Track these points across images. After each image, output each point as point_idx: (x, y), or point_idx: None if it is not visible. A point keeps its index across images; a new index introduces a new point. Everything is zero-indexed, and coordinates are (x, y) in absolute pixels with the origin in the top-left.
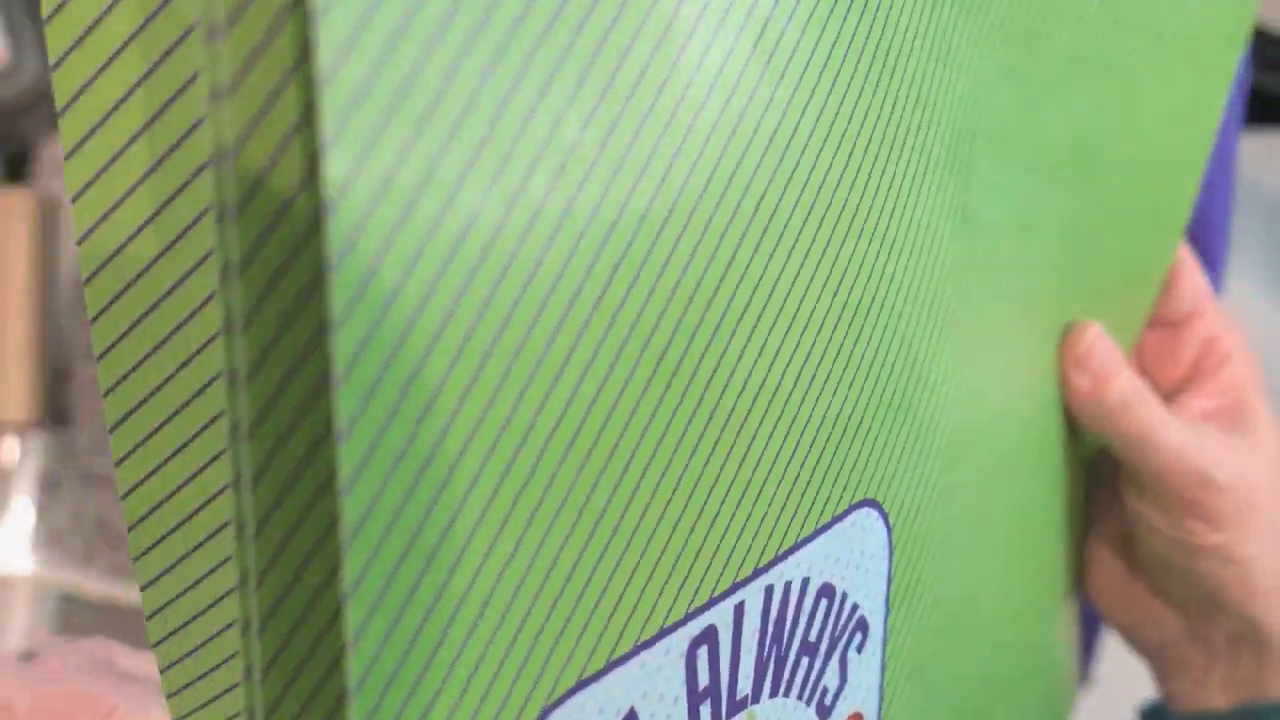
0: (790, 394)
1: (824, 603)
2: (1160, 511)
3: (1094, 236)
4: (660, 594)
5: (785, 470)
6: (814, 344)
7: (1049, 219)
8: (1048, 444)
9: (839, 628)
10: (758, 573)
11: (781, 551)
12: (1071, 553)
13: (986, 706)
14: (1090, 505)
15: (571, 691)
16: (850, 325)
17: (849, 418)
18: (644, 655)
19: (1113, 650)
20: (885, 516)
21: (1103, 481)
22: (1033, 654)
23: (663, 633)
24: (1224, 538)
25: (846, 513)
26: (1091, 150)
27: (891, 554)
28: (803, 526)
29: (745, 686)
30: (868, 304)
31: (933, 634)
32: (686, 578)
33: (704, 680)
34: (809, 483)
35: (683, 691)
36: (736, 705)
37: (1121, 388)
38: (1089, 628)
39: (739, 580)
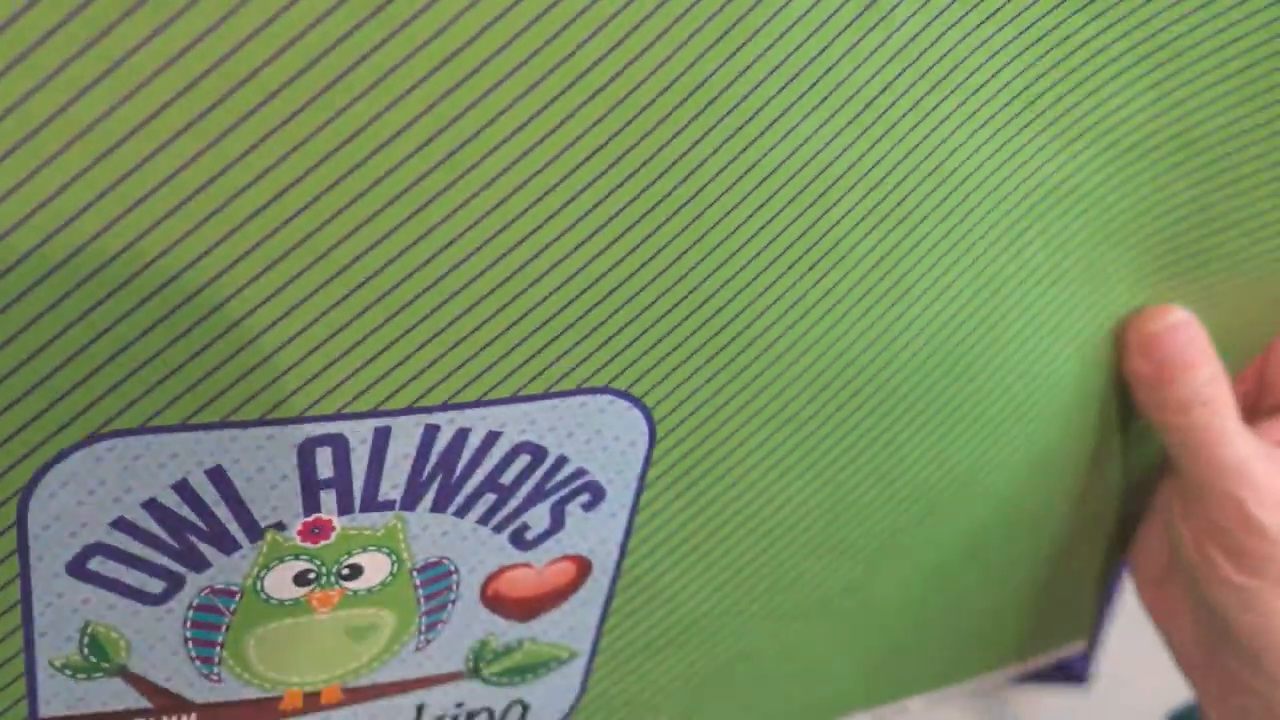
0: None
1: (525, 457)
2: (1188, 524)
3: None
4: (264, 388)
5: (472, 335)
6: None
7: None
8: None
9: (551, 482)
10: (413, 410)
11: (454, 402)
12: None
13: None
14: (1153, 479)
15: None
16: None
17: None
18: (235, 431)
19: (1113, 650)
20: (644, 410)
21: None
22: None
23: (264, 422)
24: (1249, 583)
25: (573, 393)
26: None
27: (652, 443)
28: (491, 390)
29: (392, 495)
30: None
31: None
32: (303, 386)
33: (325, 474)
34: (502, 355)
35: (294, 474)
36: (379, 505)
37: (1188, 384)
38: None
39: (385, 409)
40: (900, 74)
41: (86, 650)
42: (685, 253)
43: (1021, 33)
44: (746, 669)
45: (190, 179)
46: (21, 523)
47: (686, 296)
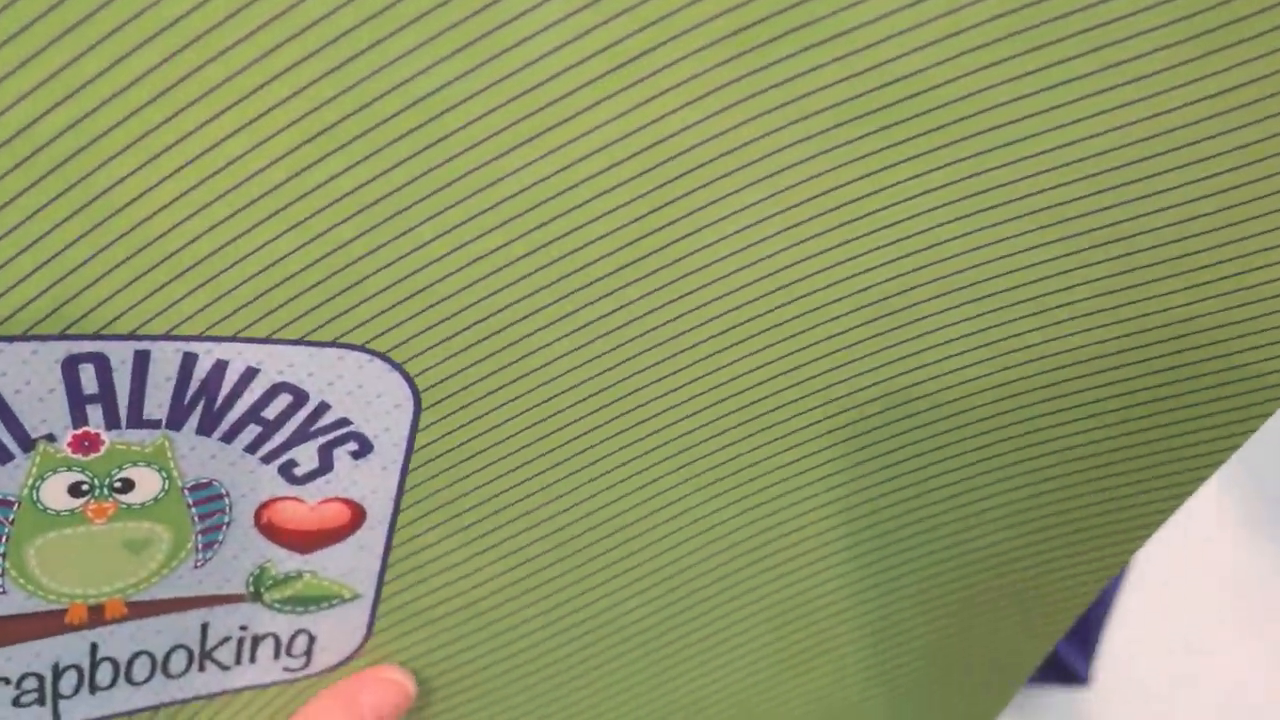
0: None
1: (286, 397)
2: None
3: None
4: (27, 303)
5: (207, 264)
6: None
7: None
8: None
9: (313, 424)
10: (171, 338)
11: (210, 334)
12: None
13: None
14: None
15: None
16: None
17: (354, 269)
18: (3, 344)
19: (1113, 650)
20: (406, 376)
21: None
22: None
23: (28, 337)
24: None
25: (330, 345)
26: None
27: (418, 410)
28: (247, 329)
29: (157, 414)
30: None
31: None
32: (62, 306)
33: (90, 389)
34: (256, 296)
35: (60, 388)
36: (145, 423)
37: None
38: (1090, 626)
39: (142, 334)
40: None
41: None
42: (450, 231)
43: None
44: (540, 676)
45: None
46: None
47: (451, 274)
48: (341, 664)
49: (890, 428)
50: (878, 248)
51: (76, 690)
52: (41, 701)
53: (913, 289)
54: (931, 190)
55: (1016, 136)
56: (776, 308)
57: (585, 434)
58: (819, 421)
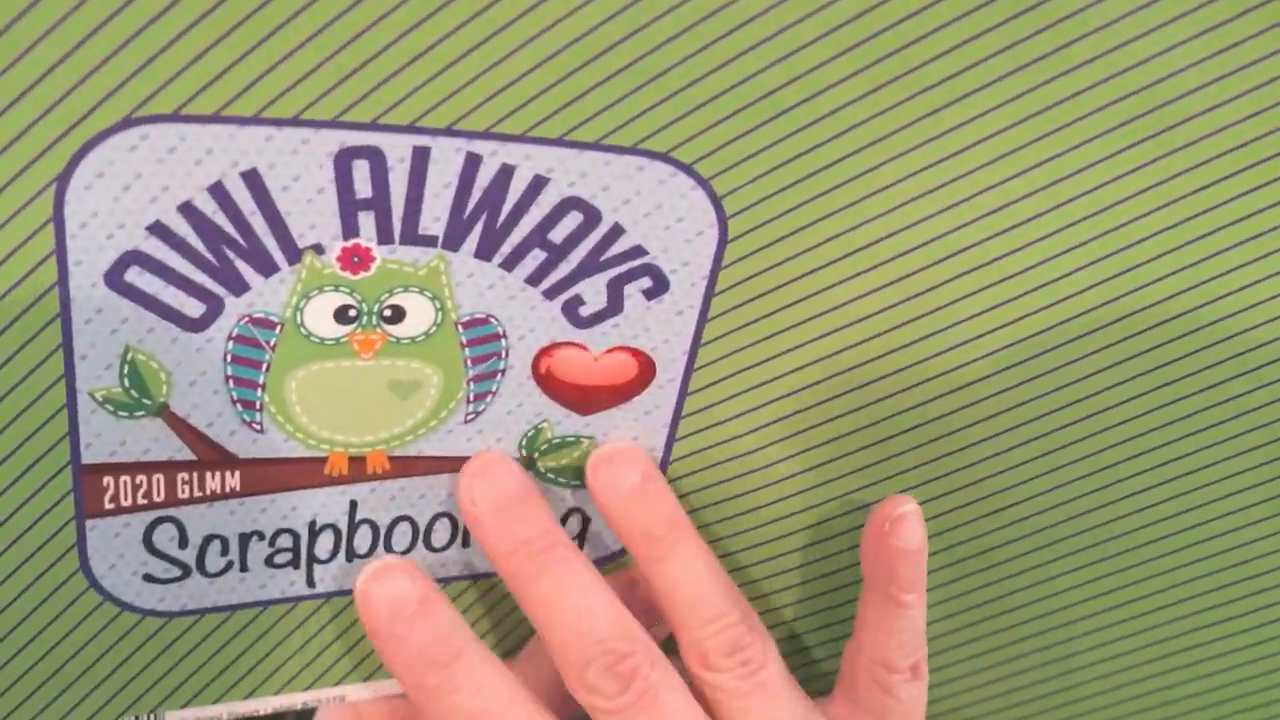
0: None
1: (576, 215)
2: None
3: None
4: (299, 80)
5: (511, 57)
6: None
7: None
8: None
9: (604, 252)
10: (455, 133)
11: (496, 131)
12: None
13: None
14: None
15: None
16: None
17: (655, 66)
18: (269, 129)
19: None
20: (713, 196)
21: None
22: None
23: (299, 122)
24: None
25: (629, 151)
26: None
27: (724, 240)
28: (538, 125)
29: (434, 229)
30: None
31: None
32: (338, 85)
33: (363, 192)
34: (548, 85)
35: (331, 189)
36: (420, 239)
37: None
38: None
39: (423, 126)
40: None
41: (127, 382)
42: (769, 10)
43: None
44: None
45: None
46: (59, 220)
47: (765, 68)
48: (615, 555)
49: None
50: None
51: (333, 555)
52: (296, 563)
53: None
54: None
55: None
56: None
57: (915, 306)
58: None
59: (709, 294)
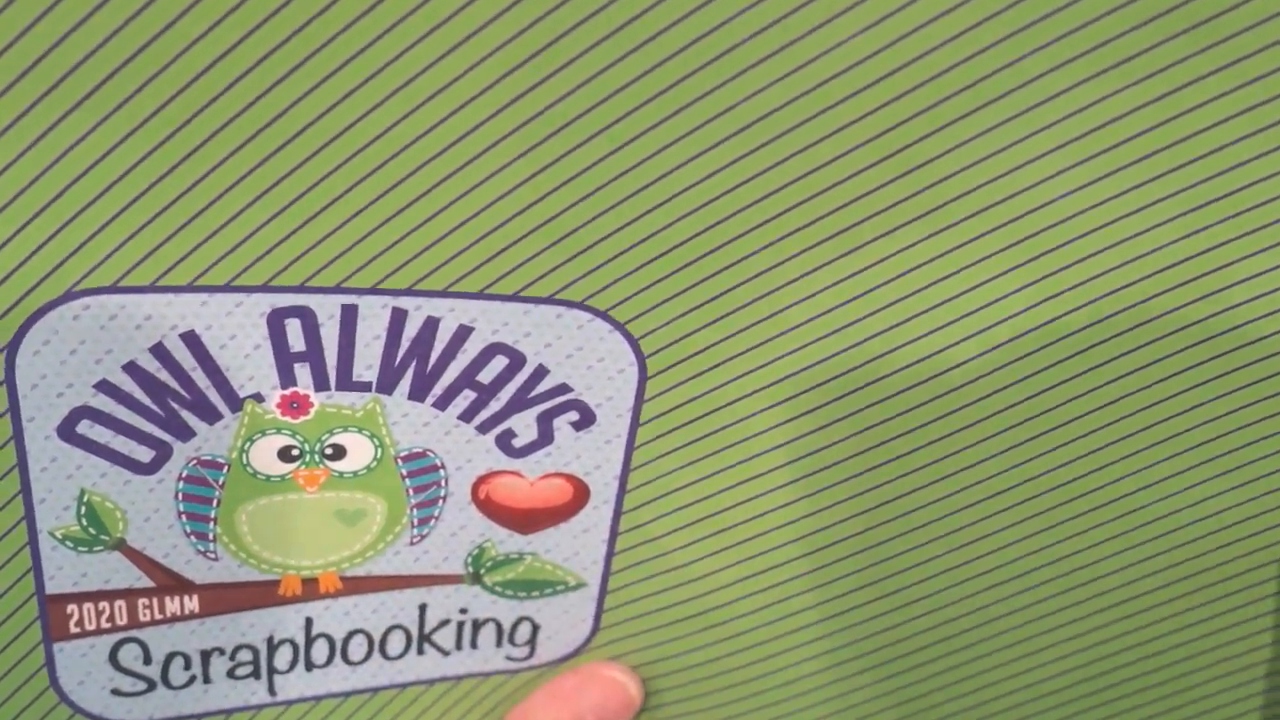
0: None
1: (501, 359)
2: None
3: None
4: (230, 251)
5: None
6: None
7: None
8: None
9: (531, 390)
10: (380, 291)
11: (419, 288)
12: None
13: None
14: None
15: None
16: None
17: (574, 227)
18: (204, 296)
19: None
20: (629, 338)
21: None
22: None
23: (232, 289)
24: None
25: (546, 301)
26: None
27: (644, 377)
28: (459, 281)
29: (367, 375)
30: None
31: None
32: (267, 253)
33: (297, 346)
34: (467, 245)
35: (266, 344)
36: (355, 385)
37: None
38: None
39: (349, 286)
40: None
41: (85, 521)
42: (674, 170)
43: None
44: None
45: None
46: (10, 381)
47: (674, 222)
48: (568, 657)
49: None
50: None
51: (292, 665)
52: (256, 674)
53: None
54: None
55: None
56: None
57: (832, 432)
58: None
59: (634, 424)
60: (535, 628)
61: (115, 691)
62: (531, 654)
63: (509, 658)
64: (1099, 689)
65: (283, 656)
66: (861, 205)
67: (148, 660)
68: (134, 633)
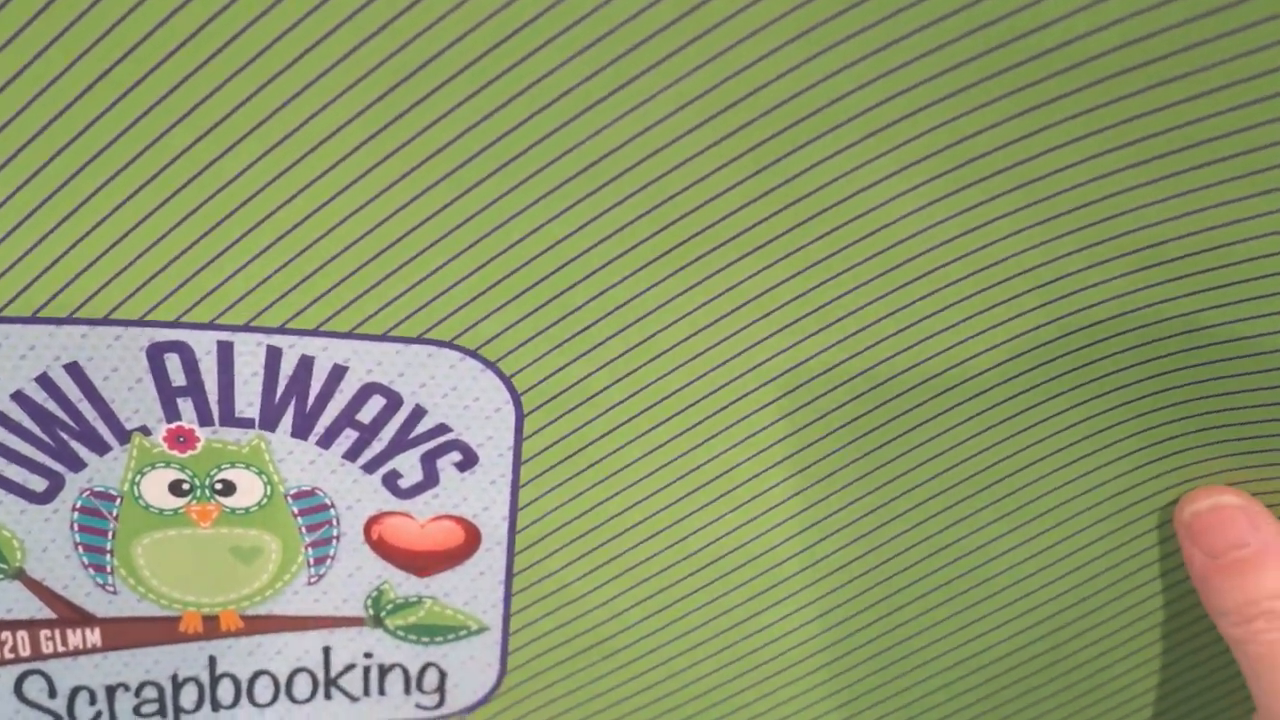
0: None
1: (379, 399)
2: None
3: None
4: (106, 283)
5: (302, 258)
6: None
7: None
8: None
9: (411, 430)
10: (254, 329)
11: (291, 327)
12: None
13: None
14: None
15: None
16: None
17: (433, 261)
18: (84, 328)
19: None
20: (501, 376)
21: None
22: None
23: (110, 321)
24: None
25: (416, 341)
26: None
27: (520, 414)
28: (328, 321)
29: (249, 412)
30: None
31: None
32: (143, 286)
33: (178, 381)
34: (333, 284)
35: (148, 378)
36: (238, 421)
37: (1246, 586)
38: None
39: (224, 324)
40: None
41: None
42: (530, 206)
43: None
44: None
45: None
46: None
47: (535, 258)
48: (479, 704)
49: None
50: None
51: (198, 705)
52: (163, 714)
53: None
54: None
55: None
56: None
57: (711, 447)
58: None
59: (517, 463)
60: (443, 674)
61: None
62: (442, 702)
63: (419, 705)
64: (1096, 685)
65: (188, 696)
66: (718, 230)
67: (53, 694)
68: (38, 664)
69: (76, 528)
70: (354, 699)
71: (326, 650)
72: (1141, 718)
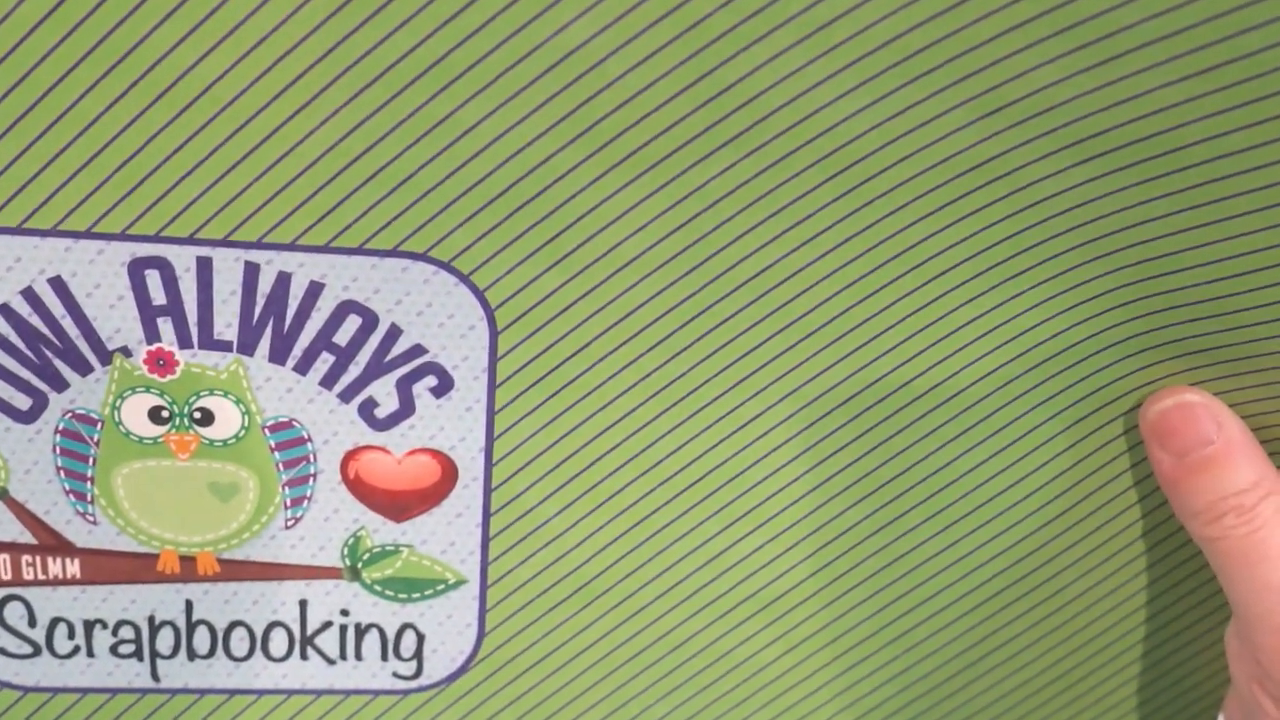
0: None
1: (355, 318)
2: (1240, 663)
3: None
4: (88, 195)
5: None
6: None
7: None
8: None
9: (387, 353)
10: (232, 244)
11: (269, 241)
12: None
13: None
14: None
15: None
16: None
17: (405, 168)
18: (67, 241)
19: None
20: (475, 290)
21: None
22: None
23: (93, 235)
24: None
25: (391, 254)
26: None
27: (495, 332)
28: (304, 234)
29: (227, 334)
30: None
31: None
32: (123, 199)
33: (158, 299)
34: (307, 196)
35: (129, 295)
36: (216, 343)
37: (1214, 484)
38: None
39: (202, 238)
40: None
41: None
42: (496, 110)
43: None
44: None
45: None
46: None
47: (502, 164)
48: (457, 675)
49: None
50: None
51: (174, 651)
52: (139, 656)
53: None
54: None
55: None
56: None
57: (686, 359)
58: None
59: (492, 386)
60: (420, 637)
61: (2, 651)
62: (419, 671)
63: (397, 674)
64: (1110, 691)
65: (164, 640)
66: (678, 131)
67: (33, 622)
68: (18, 590)
69: (59, 450)
70: (330, 661)
71: (303, 604)
72: (1123, 646)
